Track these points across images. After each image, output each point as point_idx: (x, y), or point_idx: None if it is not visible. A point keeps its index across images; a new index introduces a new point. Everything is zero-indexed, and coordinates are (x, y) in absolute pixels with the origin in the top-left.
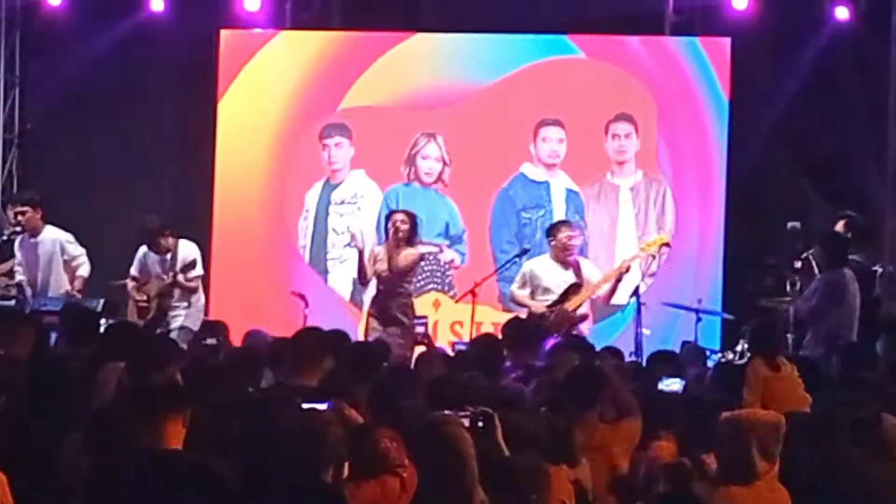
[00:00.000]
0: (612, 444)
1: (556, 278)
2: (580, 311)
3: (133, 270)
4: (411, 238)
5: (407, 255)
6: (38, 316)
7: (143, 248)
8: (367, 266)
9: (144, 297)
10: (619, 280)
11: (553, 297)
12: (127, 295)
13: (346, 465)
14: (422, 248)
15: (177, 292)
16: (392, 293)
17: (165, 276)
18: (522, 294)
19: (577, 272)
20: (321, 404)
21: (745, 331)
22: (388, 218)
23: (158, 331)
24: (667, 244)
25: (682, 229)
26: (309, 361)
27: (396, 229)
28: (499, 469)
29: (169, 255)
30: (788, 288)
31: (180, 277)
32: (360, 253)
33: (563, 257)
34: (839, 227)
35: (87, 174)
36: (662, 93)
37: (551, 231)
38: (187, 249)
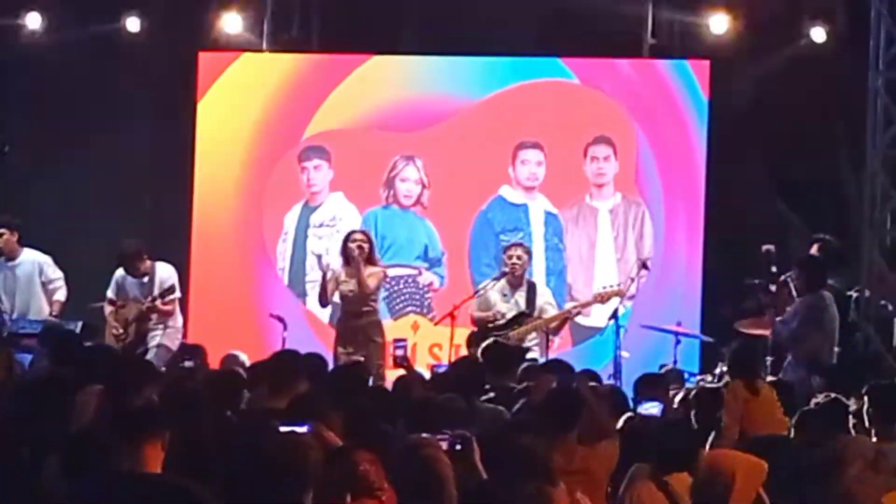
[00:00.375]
0: (591, 466)
1: (505, 301)
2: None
3: (110, 293)
4: (371, 257)
5: (373, 273)
6: (15, 339)
7: (121, 271)
8: (329, 287)
9: (121, 325)
10: (567, 319)
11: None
12: (105, 318)
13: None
14: (397, 271)
15: (154, 316)
16: (360, 313)
17: (143, 300)
18: (480, 316)
19: (530, 294)
20: (300, 427)
21: (725, 353)
22: (347, 239)
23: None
24: (645, 267)
25: (661, 252)
26: (285, 384)
27: (361, 249)
28: (477, 493)
29: (146, 279)
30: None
31: (158, 303)
32: (325, 273)
33: (511, 278)
34: (813, 250)
35: (65, 196)
36: (642, 115)
37: (502, 255)
38: (165, 272)
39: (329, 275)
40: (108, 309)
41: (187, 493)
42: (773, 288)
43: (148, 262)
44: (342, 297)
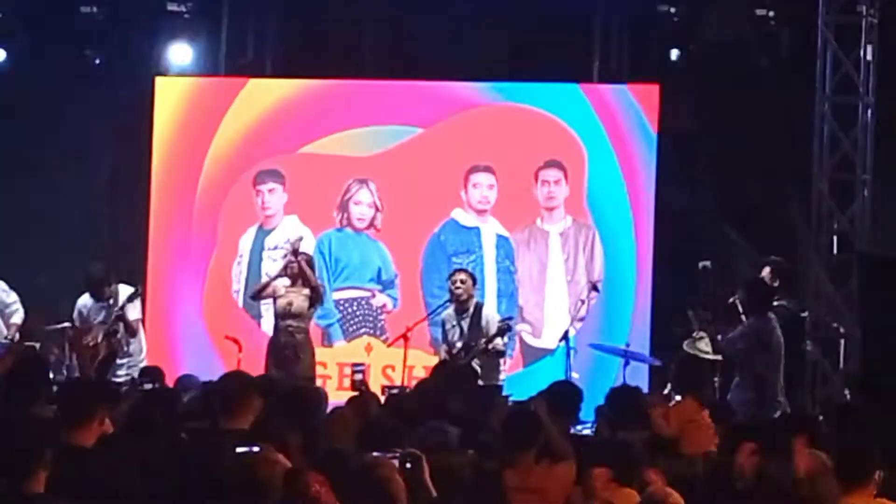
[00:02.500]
0: (548, 487)
1: (454, 329)
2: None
3: (75, 320)
4: (306, 277)
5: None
6: None
7: (84, 299)
8: (266, 291)
9: (91, 341)
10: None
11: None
12: (64, 340)
13: None
14: (351, 293)
15: (121, 328)
16: (290, 330)
17: (107, 322)
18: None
19: (475, 318)
20: (250, 448)
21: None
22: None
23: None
24: (596, 289)
25: (611, 274)
26: (238, 404)
27: (300, 266)
28: None
29: (110, 301)
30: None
31: (127, 309)
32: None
33: (457, 305)
34: (765, 273)
35: (22, 221)
36: (591, 139)
37: (447, 281)
38: (126, 293)
39: (270, 285)
40: (71, 334)
41: None
42: (706, 300)
43: (112, 286)
44: (276, 311)
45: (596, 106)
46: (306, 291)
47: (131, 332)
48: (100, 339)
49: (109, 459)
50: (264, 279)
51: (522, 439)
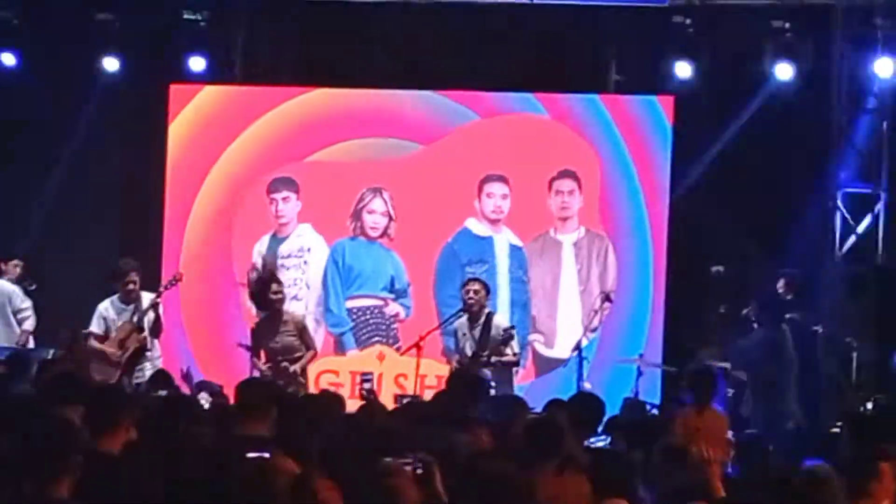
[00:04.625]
0: (568, 498)
1: (465, 338)
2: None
3: (94, 328)
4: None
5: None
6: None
7: (106, 304)
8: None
9: (116, 347)
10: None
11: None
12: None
13: None
14: (364, 302)
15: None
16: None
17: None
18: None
19: (486, 327)
20: (260, 454)
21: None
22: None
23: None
24: (609, 300)
25: (625, 285)
26: (254, 411)
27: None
28: None
29: (132, 307)
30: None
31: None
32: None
33: (469, 314)
34: (780, 285)
35: (39, 229)
36: (606, 150)
37: (460, 290)
38: (149, 299)
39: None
40: (93, 342)
41: None
42: (722, 310)
43: (138, 289)
44: (271, 351)
45: (611, 116)
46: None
47: (157, 332)
48: (123, 337)
49: (135, 466)
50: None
51: (545, 449)
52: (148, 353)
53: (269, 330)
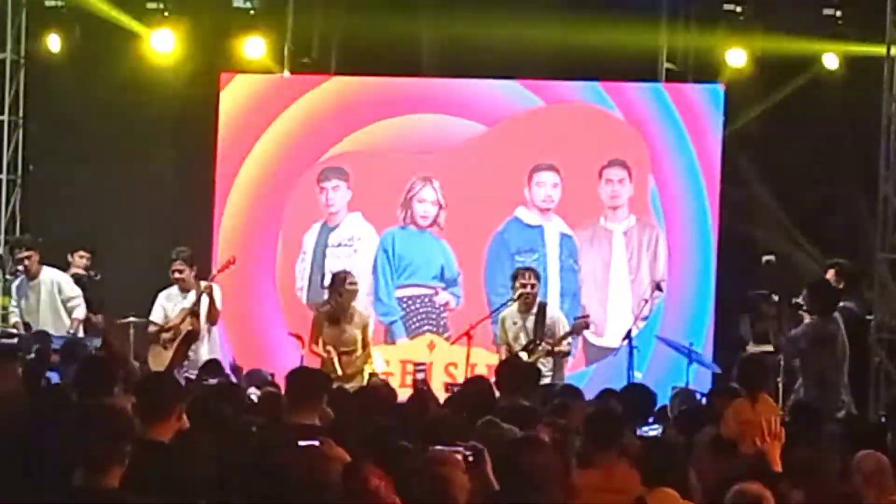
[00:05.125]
0: (630, 487)
1: (517, 327)
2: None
3: (154, 316)
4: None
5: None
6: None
7: (165, 292)
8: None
9: (170, 334)
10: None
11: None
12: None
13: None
14: (414, 291)
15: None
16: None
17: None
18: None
19: (539, 317)
20: (310, 442)
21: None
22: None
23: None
24: (659, 288)
25: (675, 274)
26: (305, 400)
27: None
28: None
29: (191, 293)
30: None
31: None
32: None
33: (522, 302)
34: (829, 275)
35: (88, 216)
36: (656, 138)
37: (512, 279)
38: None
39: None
40: (152, 328)
41: None
42: (775, 298)
43: (187, 277)
44: (330, 341)
45: (661, 105)
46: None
47: (212, 318)
48: (181, 320)
49: (187, 455)
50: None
51: (604, 438)
52: (203, 340)
53: (334, 319)
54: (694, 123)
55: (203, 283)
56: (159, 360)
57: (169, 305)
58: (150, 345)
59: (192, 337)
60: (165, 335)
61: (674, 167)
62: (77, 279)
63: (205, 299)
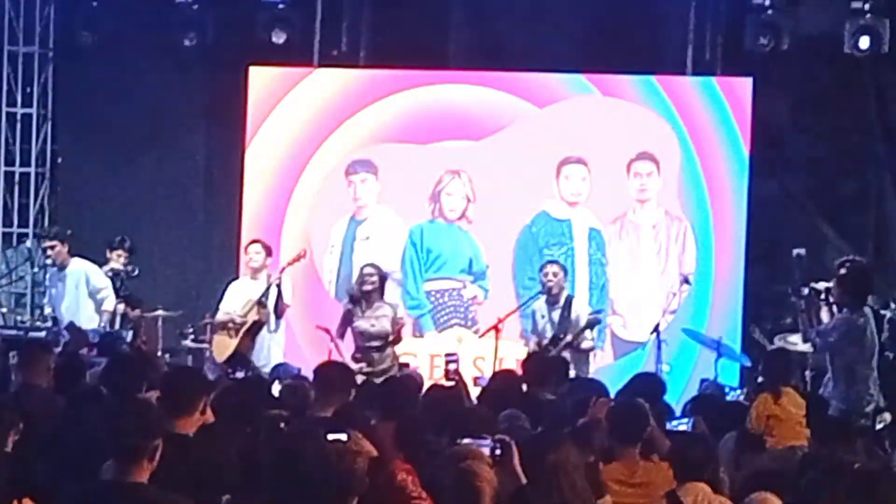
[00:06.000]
0: (654, 482)
1: (544, 321)
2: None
3: (223, 304)
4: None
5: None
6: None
7: (236, 284)
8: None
9: (237, 322)
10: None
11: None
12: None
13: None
14: (442, 284)
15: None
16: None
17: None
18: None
19: (565, 311)
20: (339, 434)
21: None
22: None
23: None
24: (687, 282)
25: (703, 267)
26: (332, 394)
27: (373, 285)
28: (516, 497)
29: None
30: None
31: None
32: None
33: (548, 296)
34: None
35: (117, 208)
36: (684, 131)
37: (539, 273)
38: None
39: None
40: (221, 316)
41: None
42: (804, 291)
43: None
44: (362, 333)
45: (689, 98)
46: (388, 309)
47: (278, 310)
48: (249, 309)
49: (212, 448)
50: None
51: (629, 433)
52: (269, 330)
53: (364, 311)
54: (723, 115)
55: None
56: (222, 348)
57: (238, 292)
58: (215, 333)
59: (258, 326)
60: (232, 325)
61: (703, 160)
62: (115, 274)
63: (273, 290)
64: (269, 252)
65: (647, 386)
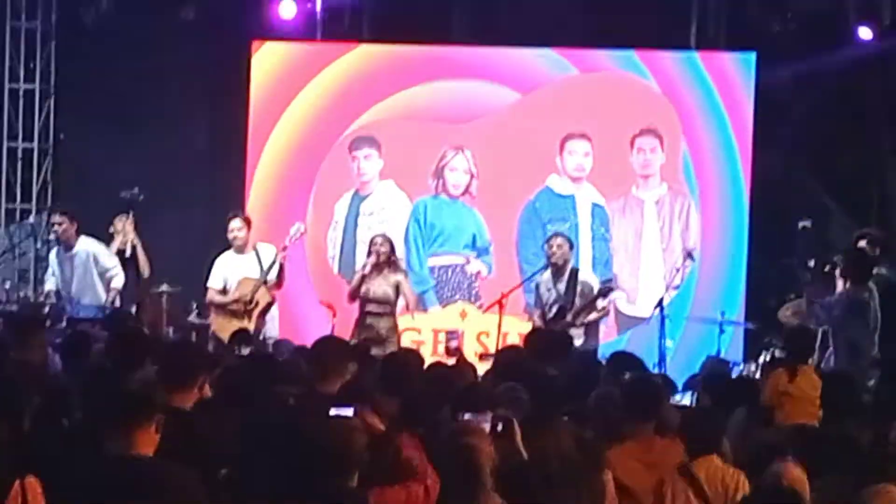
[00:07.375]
0: (668, 460)
1: (550, 293)
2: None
3: (212, 282)
4: (390, 260)
5: (391, 279)
6: (74, 323)
7: (221, 259)
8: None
9: (241, 301)
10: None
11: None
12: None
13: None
14: (446, 260)
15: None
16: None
17: (260, 277)
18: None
19: (571, 282)
20: (346, 409)
21: (767, 342)
22: (369, 243)
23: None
24: (691, 257)
25: (707, 242)
26: (332, 369)
27: (378, 254)
28: (518, 472)
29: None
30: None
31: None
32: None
33: (553, 269)
34: (862, 244)
35: (120, 184)
36: (687, 106)
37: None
38: (268, 251)
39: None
40: (214, 296)
41: (170, 476)
42: (811, 263)
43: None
44: (362, 297)
45: (694, 72)
46: (393, 278)
47: (278, 285)
48: (255, 289)
49: (208, 423)
50: (357, 277)
51: (644, 410)
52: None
53: (371, 275)
54: (726, 90)
55: (267, 247)
56: (226, 329)
57: (227, 268)
58: (214, 313)
59: (269, 307)
60: (235, 306)
61: (706, 135)
62: (120, 253)
63: (276, 268)
64: (248, 225)
65: (626, 363)
